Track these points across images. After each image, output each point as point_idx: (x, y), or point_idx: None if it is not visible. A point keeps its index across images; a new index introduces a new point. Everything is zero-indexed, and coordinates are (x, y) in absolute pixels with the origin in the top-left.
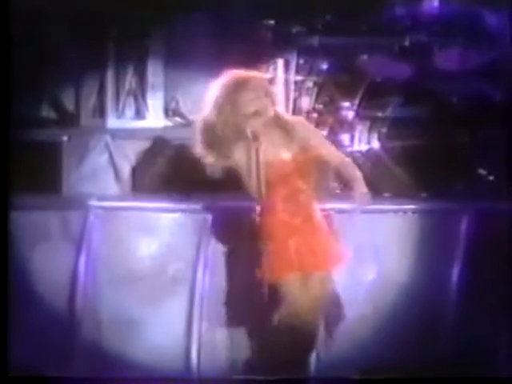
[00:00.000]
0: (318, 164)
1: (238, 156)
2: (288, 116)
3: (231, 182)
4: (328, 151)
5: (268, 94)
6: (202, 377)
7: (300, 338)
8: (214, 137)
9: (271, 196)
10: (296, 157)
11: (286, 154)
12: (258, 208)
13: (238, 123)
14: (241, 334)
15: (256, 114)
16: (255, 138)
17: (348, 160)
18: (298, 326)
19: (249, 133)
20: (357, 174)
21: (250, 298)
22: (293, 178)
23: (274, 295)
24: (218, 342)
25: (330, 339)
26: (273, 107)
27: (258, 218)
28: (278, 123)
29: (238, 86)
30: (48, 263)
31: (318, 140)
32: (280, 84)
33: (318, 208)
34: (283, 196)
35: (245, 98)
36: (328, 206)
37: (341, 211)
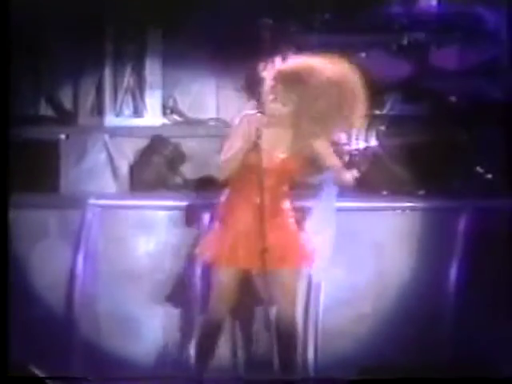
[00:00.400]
0: (290, 173)
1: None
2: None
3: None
4: (326, 151)
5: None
6: (200, 375)
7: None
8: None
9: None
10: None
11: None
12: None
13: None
14: (238, 332)
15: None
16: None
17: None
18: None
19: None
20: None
21: (246, 295)
22: (280, 176)
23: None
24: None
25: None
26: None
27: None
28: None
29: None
30: (46, 261)
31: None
32: None
33: (288, 205)
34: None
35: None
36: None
37: (339, 209)
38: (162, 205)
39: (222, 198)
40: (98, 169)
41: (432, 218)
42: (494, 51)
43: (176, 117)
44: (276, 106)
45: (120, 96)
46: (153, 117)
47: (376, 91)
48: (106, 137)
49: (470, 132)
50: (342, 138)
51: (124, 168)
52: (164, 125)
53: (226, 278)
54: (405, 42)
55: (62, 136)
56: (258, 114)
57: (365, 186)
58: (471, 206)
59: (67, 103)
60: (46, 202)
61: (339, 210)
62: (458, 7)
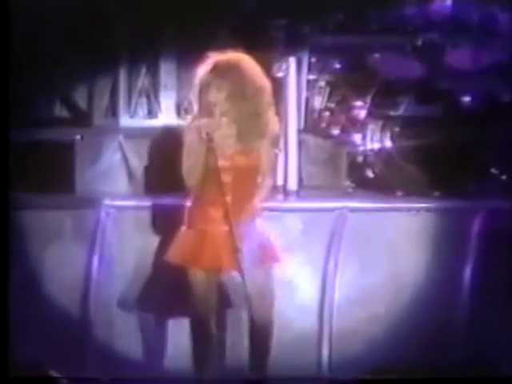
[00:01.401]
0: (251, 170)
1: (189, 140)
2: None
3: None
4: (269, 163)
5: (250, 88)
6: (212, 376)
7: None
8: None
9: (206, 186)
10: (237, 154)
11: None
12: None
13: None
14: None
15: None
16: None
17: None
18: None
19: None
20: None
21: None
22: (241, 173)
23: None
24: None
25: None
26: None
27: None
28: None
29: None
30: (61, 262)
31: (268, 150)
32: (292, 83)
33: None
34: (217, 188)
35: (216, 80)
36: (341, 204)
37: (353, 210)
38: (177, 205)
39: (189, 202)
40: (113, 170)
41: (446, 219)
42: (508, 52)
43: (190, 117)
44: (212, 94)
45: (134, 97)
46: (167, 118)
47: (390, 92)
48: (121, 138)
49: (484, 133)
50: (357, 138)
51: (139, 169)
52: (178, 125)
53: (199, 280)
54: (419, 42)
55: (77, 137)
56: (205, 119)
57: (379, 187)
58: (485, 207)
59: (82, 104)
60: (61, 202)
61: (353, 210)
62: (472, 8)
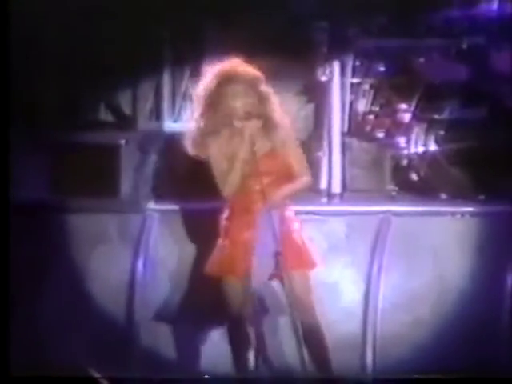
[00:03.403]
0: (281, 170)
1: (217, 150)
2: (275, 115)
3: None
4: (295, 161)
5: (256, 92)
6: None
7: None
8: (200, 128)
9: (241, 194)
10: (265, 157)
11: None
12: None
13: (221, 117)
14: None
15: (239, 109)
16: (240, 133)
17: (307, 179)
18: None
19: (233, 128)
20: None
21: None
22: (262, 177)
23: None
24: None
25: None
26: (260, 105)
27: (223, 216)
28: (263, 121)
29: (225, 79)
30: (106, 265)
31: (292, 148)
32: (336, 87)
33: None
34: (252, 195)
35: (230, 92)
36: (385, 208)
37: (397, 214)
38: (220, 209)
39: (225, 212)
40: (157, 174)
41: (491, 223)
42: None
43: None
44: (231, 101)
45: (178, 101)
46: None
47: (435, 95)
48: (165, 142)
49: None
50: (402, 141)
51: (182, 173)
52: None
53: (235, 289)
54: (464, 46)
55: (122, 141)
56: (248, 123)
57: (423, 190)
58: None
59: (126, 108)
60: (106, 206)
61: (398, 214)
62: None
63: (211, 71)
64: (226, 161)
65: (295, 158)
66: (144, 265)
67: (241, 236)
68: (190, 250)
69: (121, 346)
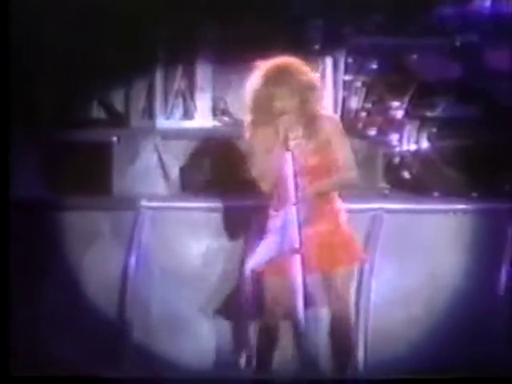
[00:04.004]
0: (328, 167)
1: (260, 143)
2: (321, 113)
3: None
4: (344, 157)
5: (303, 89)
6: (250, 377)
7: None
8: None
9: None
10: (306, 153)
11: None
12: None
13: (268, 116)
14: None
15: (278, 106)
16: (285, 135)
17: (351, 174)
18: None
19: (279, 128)
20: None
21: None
22: (309, 176)
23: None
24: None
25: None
26: (307, 103)
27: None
28: (307, 119)
29: (269, 76)
30: (99, 263)
31: (339, 144)
32: (329, 84)
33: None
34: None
35: (272, 90)
36: (377, 205)
37: (389, 211)
38: (213, 206)
39: (268, 207)
40: (150, 171)
41: (483, 220)
42: None
43: (226, 119)
44: (272, 101)
45: (171, 98)
46: (203, 119)
47: (427, 93)
48: (157, 139)
49: None
50: (394, 139)
51: (175, 170)
52: (214, 127)
53: (278, 283)
54: (457, 43)
55: (114, 138)
56: (283, 120)
57: (415, 188)
58: None
59: (119, 106)
60: (98, 203)
61: (389, 211)
62: (511, 8)
63: (260, 66)
64: (265, 155)
65: (341, 153)
66: (137, 262)
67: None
68: (183, 247)
69: (113, 344)
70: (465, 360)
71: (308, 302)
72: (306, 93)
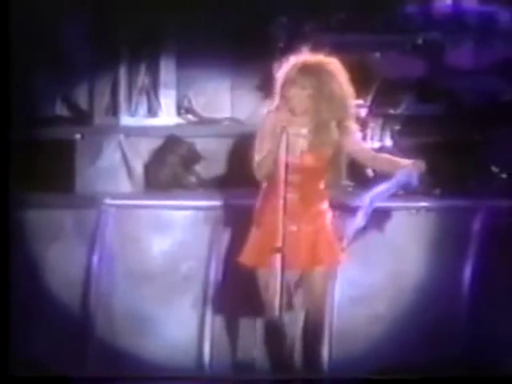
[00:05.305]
0: (340, 160)
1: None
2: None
3: (243, 178)
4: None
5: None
6: (214, 374)
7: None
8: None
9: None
10: (308, 152)
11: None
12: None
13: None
14: (252, 332)
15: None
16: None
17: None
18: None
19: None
20: (393, 160)
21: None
22: (309, 173)
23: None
24: (230, 339)
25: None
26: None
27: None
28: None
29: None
30: (61, 261)
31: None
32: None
33: (324, 204)
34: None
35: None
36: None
37: (352, 209)
38: (177, 204)
39: (257, 201)
40: (113, 168)
41: (447, 218)
42: (509, 50)
43: (191, 116)
44: (296, 91)
45: (135, 96)
46: (167, 116)
47: (391, 91)
48: (121, 137)
49: (484, 131)
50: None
51: (139, 168)
52: (179, 124)
53: (270, 279)
54: (420, 41)
55: (78, 136)
56: (282, 112)
57: (379, 186)
58: (486, 206)
59: (82, 103)
60: (62, 202)
61: (353, 210)
62: (473, 6)
63: (290, 60)
64: (265, 144)
65: (334, 162)
66: (100, 260)
67: (273, 226)
68: (147, 244)
69: (76, 343)
70: (427, 359)
71: (285, 301)
72: (329, 99)
